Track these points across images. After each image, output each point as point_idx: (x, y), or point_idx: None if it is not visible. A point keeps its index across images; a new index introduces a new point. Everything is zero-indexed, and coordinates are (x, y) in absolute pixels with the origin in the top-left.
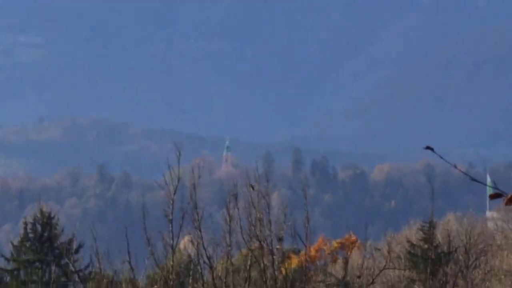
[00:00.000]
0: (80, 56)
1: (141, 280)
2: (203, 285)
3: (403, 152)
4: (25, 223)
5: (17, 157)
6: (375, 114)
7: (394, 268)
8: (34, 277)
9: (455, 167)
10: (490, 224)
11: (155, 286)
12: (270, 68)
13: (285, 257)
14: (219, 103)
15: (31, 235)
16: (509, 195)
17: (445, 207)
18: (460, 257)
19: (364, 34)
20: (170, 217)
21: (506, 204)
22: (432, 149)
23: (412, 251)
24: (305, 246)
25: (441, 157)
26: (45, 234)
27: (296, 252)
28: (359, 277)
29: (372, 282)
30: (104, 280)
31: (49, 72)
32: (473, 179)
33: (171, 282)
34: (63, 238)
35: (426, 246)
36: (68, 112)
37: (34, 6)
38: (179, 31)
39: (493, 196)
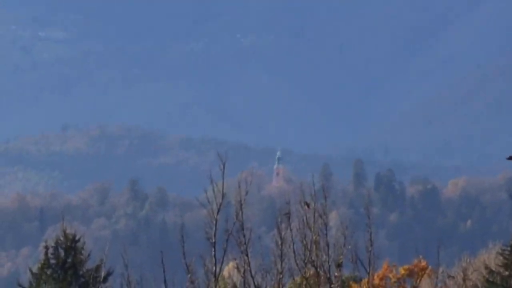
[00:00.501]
0: (109, 54)
1: None
2: None
3: (481, 164)
4: (46, 247)
5: (37, 171)
6: (448, 119)
7: None
8: None
9: None
10: None
11: None
12: (327, 67)
13: (344, 285)
14: (269, 108)
15: (52, 261)
16: None
17: None
18: None
19: (435, 26)
20: (213, 240)
21: None
22: None
23: (490, 279)
24: (368, 274)
25: None
26: (69, 260)
27: (358, 280)
28: None
29: None
30: None
31: (74, 73)
32: None
33: None
34: (89, 265)
35: (507, 273)
36: (96, 119)
37: None
38: (222, 24)
39: None
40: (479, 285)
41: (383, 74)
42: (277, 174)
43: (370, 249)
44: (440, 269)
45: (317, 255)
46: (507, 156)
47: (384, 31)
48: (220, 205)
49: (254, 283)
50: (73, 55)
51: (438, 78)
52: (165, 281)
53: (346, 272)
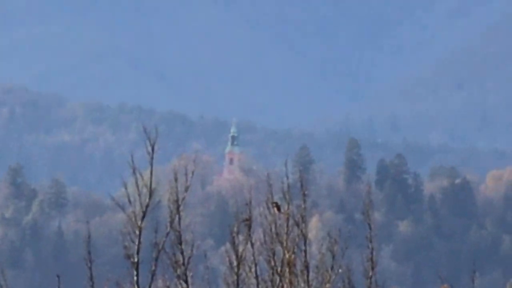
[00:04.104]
0: None
1: None
2: None
3: None
4: None
5: None
6: (489, 81)
7: None
8: None
9: None
10: None
11: None
12: (310, 2)
13: None
14: (219, 61)
15: None
16: None
17: None
18: None
19: None
20: (135, 259)
21: None
22: None
23: None
24: None
25: None
26: None
27: None
28: None
29: None
30: None
31: None
32: None
33: None
34: None
35: None
36: None
37: None
38: None
39: None
40: None
41: (393, 12)
42: (231, 160)
43: (370, 273)
44: None
45: (291, 283)
46: None
47: None
48: (147, 207)
49: None
50: None
51: (477, 19)
52: None
53: None
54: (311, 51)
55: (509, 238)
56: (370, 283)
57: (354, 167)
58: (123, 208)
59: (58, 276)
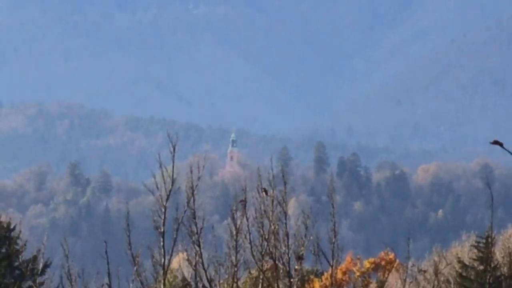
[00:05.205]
0: (48, 24)
1: None
2: None
3: (454, 149)
4: None
5: None
6: (419, 99)
7: None
8: None
9: None
10: None
11: None
12: (287, 41)
13: (305, 280)
14: (223, 85)
15: None
16: None
17: (506, 219)
18: None
19: None
20: (162, 229)
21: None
22: (501, 145)
23: (464, 274)
24: (331, 267)
25: None
26: (3, 250)
27: (319, 274)
28: None
29: None
30: None
31: (8, 44)
32: None
33: None
34: (25, 255)
35: (481, 267)
36: (33, 96)
37: None
38: None
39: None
40: (452, 280)
41: (349, 48)
42: (231, 158)
43: (333, 240)
44: (410, 263)
45: (275, 247)
46: (491, 141)
47: (353, 2)
48: (170, 191)
49: (206, 276)
50: (8, 24)
51: (409, 54)
52: (108, 274)
53: (306, 265)
54: (289, 77)
55: (434, 215)
56: (333, 247)
57: (321, 163)
58: (152, 193)
59: (105, 242)
